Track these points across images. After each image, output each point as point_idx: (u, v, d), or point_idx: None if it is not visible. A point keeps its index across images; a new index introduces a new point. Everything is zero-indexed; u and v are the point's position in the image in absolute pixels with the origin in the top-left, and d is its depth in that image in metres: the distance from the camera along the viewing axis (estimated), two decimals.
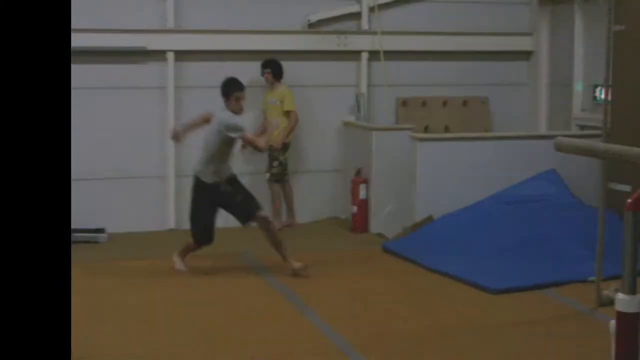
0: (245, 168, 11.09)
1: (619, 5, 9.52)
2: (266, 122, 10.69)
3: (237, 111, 8.66)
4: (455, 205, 9.90)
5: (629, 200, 4.63)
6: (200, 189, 8.71)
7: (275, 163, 10.89)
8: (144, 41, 10.73)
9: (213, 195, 8.65)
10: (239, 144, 9.23)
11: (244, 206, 8.71)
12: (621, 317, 4.56)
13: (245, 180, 11.16)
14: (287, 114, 10.97)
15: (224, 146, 8.61)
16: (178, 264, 8.89)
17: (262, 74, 10.94)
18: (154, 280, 8.66)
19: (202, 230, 8.74)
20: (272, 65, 10.93)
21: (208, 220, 8.72)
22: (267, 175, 11.04)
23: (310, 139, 11.53)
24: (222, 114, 8.66)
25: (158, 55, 10.90)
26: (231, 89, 8.69)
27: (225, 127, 8.52)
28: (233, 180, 8.77)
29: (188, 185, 10.92)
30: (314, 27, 11.54)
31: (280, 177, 11.03)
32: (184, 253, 8.94)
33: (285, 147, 11.04)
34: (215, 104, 10.87)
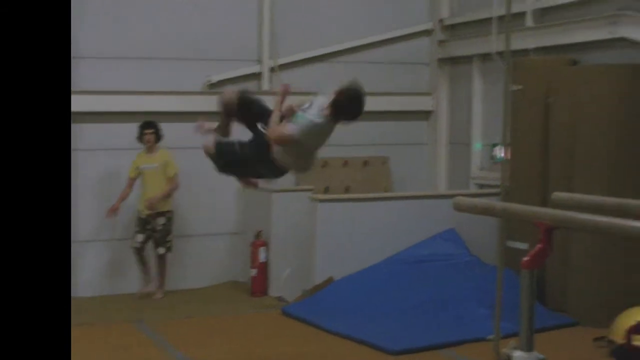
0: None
1: (516, 65, 9.67)
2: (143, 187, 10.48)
3: None
4: (355, 266, 9.81)
5: (525, 259, 4.67)
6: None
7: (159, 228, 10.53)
8: None
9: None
10: None
11: None
12: None
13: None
14: (171, 179, 10.56)
15: None
16: None
17: (141, 136, 10.49)
18: None
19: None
20: (156, 126, 10.55)
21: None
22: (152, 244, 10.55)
23: (208, 202, 11.30)
24: None
25: None
26: None
27: None
28: None
29: (88, 253, 10.71)
30: (214, 87, 11.39)
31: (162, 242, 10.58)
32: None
33: (162, 214, 10.56)
34: (113, 166, 10.71)
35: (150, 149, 10.51)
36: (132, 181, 10.54)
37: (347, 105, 6.65)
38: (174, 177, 10.56)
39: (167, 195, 10.54)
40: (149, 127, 10.48)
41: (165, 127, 10.86)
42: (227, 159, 6.90)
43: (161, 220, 10.49)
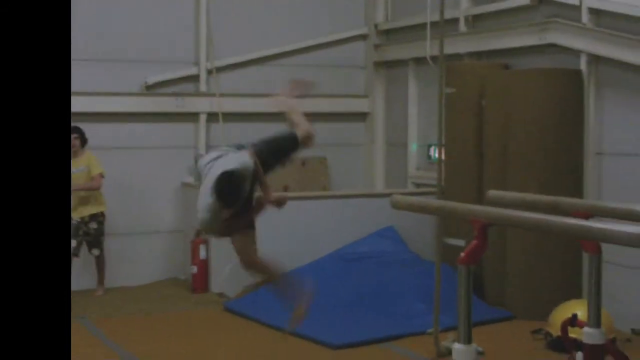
0: None
1: (449, 69, 9.93)
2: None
3: None
4: (295, 263, 9.86)
5: (462, 255, 4.76)
6: None
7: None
8: None
9: None
10: None
11: None
12: None
13: None
14: (93, 177, 10.40)
15: None
16: None
17: None
18: None
19: None
20: (80, 131, 10.40)
21: None
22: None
23: (148, 201, 11.40)
24: None
25: None
26: None
27: None
28: None
29: None
30: (151, 89, 11.49)
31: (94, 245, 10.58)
32: None
33: (94, 217, 10.50)
34: None
35: (75, 154, 10.38)
36: None
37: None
38: (97, 176, 10.39)
39: (84, 189, 10.32)
40: (74, 132, 10.32)
41: (102, 128, 10.96)
42: None
43: (93, 225, 10.46)
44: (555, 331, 7.61)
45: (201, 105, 11.70)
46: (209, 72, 11.75)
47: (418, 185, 11.75)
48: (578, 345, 5.85)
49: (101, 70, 11.14)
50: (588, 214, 5.60)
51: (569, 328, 6.25)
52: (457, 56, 10.77)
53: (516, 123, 9.46)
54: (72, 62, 10.61)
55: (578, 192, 9.19)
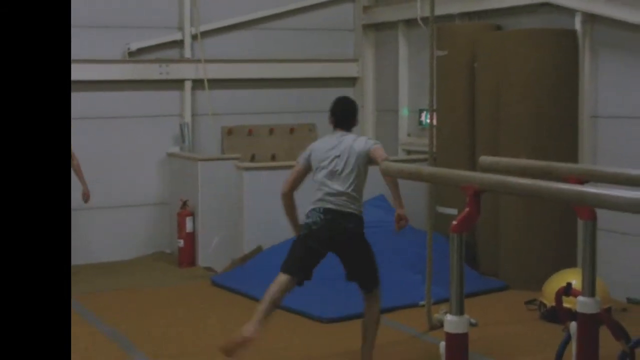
0: None
1: (440, 31, 9.70)
2: None
3: None
4: (284, 235, 9.67)
5: (454, 223, 4.65)
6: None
7: None
8: None
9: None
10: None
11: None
12: (450, 337, 4.59)
13: None
14: (74, 156, 9.83)
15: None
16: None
17: None
18: None
19: None
20: None
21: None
22: None
23: (131, 172, 11.14)
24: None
25: None
26: None
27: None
28: None
29: None
30: (134, 55, 11.21)
31: None
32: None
33: None
34: None
35: None
36: None
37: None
38: (74, 154, 9.78)
39: (83, 177, 9.92)
40: None
41: (83, 97, 10.69)
42: None
43: None
44: (550, 301, 7.53)
45: (186, 71, 11.44)
46: (194, 37, 11.51)
47: (409, 151, 11.55)
48: (572, 315, 5.66)
49: (81, 37, 10.79)
50: (583, 179, 5.46)
51: (564, 297, 6.07)
52: (449, 17, 10.54)
53: (509, 86, 9.30)
54: None
55: (572, 156, 9.05)
